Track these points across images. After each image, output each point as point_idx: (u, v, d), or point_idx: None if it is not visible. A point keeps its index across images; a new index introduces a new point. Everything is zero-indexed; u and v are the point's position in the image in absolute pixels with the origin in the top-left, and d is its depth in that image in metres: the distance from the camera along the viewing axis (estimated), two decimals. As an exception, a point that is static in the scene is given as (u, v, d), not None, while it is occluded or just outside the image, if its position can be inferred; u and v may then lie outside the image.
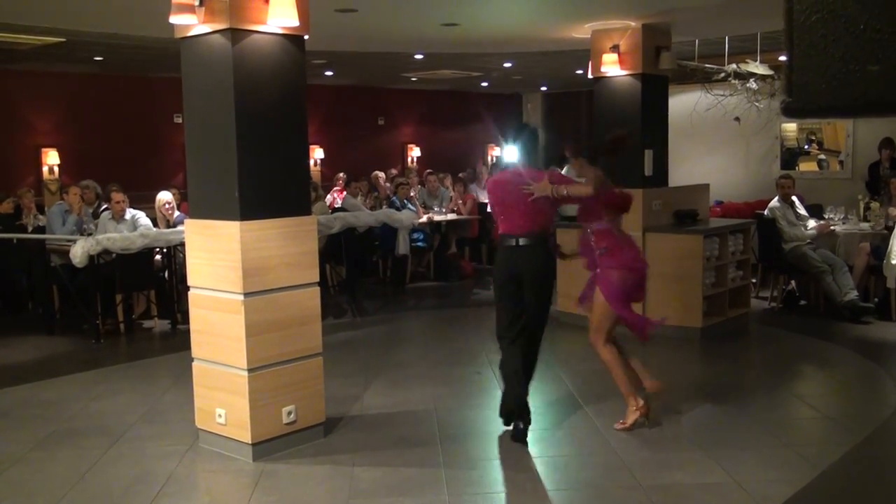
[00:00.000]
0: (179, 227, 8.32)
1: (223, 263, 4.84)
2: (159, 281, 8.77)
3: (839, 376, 6.92)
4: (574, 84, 15.73)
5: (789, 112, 0.85)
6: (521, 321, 5.18)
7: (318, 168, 15.17)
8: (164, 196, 9.26)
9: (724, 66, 9.93)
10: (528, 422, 5.20)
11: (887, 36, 0.77)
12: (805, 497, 4.35)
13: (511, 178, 5.25)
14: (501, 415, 5.36)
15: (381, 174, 13.69)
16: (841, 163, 11.91)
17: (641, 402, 5.31)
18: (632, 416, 5.29)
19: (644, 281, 5.43)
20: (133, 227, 8.58)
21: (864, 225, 9.23)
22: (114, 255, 8.06)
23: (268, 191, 4.87)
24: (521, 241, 5.11)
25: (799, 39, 0.84)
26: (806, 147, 12.27)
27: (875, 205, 9.44)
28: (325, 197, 10.66)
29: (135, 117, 13.26)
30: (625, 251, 5.31)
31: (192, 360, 5.19)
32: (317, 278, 5.18)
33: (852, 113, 0.81)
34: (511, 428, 5.24)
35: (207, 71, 4.83)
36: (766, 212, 9.03)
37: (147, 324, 8.79)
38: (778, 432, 5.26)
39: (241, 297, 4.77)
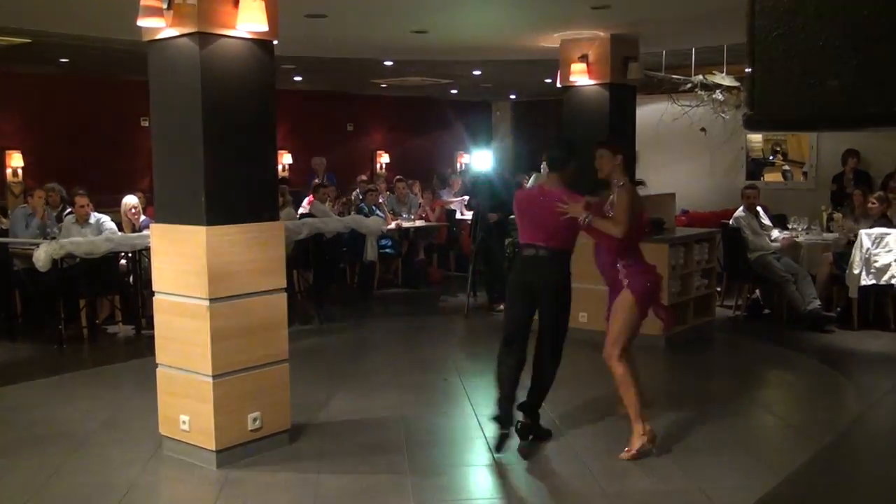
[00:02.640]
0: (145, 232, 8.24)
1: (189, 268, 4.80)
2: (124, 286, 8.67)
3: (801, 384, 7.01)
4: (543, 93, 15.81)
5: (751, 125, 0.87)
6: (525, 332, 5.09)
7: (287, 173, 15.10)
8: (130, 200, 9.16)
9: (690, 76, 10.05)
10: (523, 433, 5.12)
11: (846, 52, 0.79)
12: (767, 504, 4.40)
13: (539, 195, 5.13)
14: (494, 419, 5.12)
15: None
16: (805, 174, 12.08)
17: (648, 428, 4.98)
18: (638, 442, 4.94)
19: (661, 284, 5.34)
20: (98, 232, 8.49)
21: (828, 235, 9.37)
22: (77, 260, 7.96)
23: (234, 196, 4.84)
24: (541, 253, 4.98)
25: (761, 54, 0.85)
26: (771, 158, 12.43)
27: (838, 216, 9.59)
28: (292, 202, 10.60)
29: (101, 120, 13.11)
30: (644, 259, 5.14)
31: (156, 366, 5.13)
32: (283, 284, 5.15)
33: (812, 126, 0.82)
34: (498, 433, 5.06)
35: (175, 75, 4.80)
36: (731, 221, 9.13)
37: (111, 329, 8.69)
38: (741, 439, 5.31)
39: (207, 303, 4.73)
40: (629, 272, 5.01)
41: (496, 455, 5.01)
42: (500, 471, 4.84)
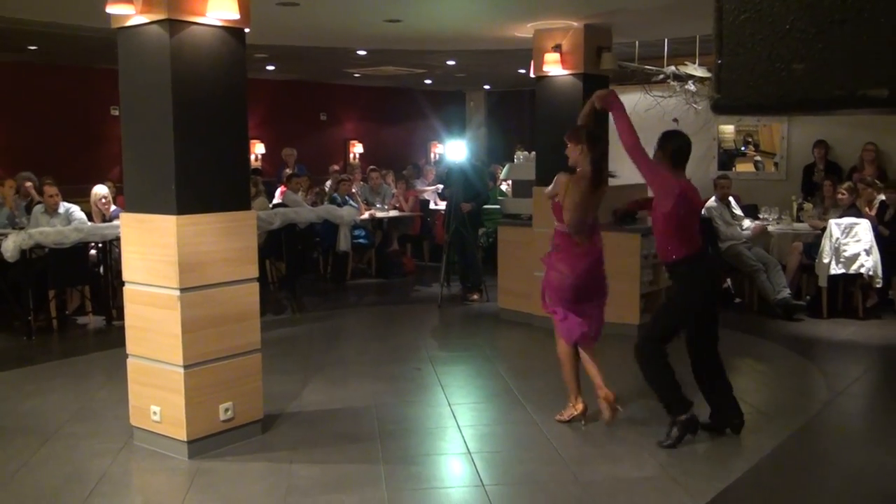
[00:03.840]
0: (115, 222, 8.15)
1: (159, 258, 4.76)
2: (94, 276, 8.59)
3: (771, 372, 7.08)
4: (517, 83, 15.83)
5: (718, 109, 0.87)
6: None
7: (260, 164, 15.01)
8: (100, 190, 9.07)
9: (663, 67, 10.08)
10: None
11: (811, 36, 0.79)
12: (737, 490, 4.45)
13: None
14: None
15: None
16: (776, 164, 12.17)
17: (581, 406, 5.31)
18: (568, 413, 5.37)
19: (576, 291, 5.24)
20: (67, 222, 8.39)
21: (798, 225, 9.46)
22: (46, 250, 7.88)
23: (206, 185, 4.80)
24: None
25: (727, 38, 0.85)
26: (743, 148, 12.52)
27: (808, 206, 9.69)
28: (265, 192, 10.54)
29: (70, 109, 12.96)
30: (572, 257, 5.21)
31: (126, 356, 5.09)
32: (256, 274, 5.12)
33: (778, 110, 0.83)
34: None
35: (145, 62, 4.74)
36: (703, 211, 9.18)
37: (81, 320, 8.61)
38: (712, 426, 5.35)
39: (178, 293, 4.69)
40: (550, 258, 5.39)
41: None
42: (472, 459, 4.85)
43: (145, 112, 4.80)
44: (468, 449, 5.02)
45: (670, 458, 4.79)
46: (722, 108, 0.85)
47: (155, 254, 4.79)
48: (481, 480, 4.54)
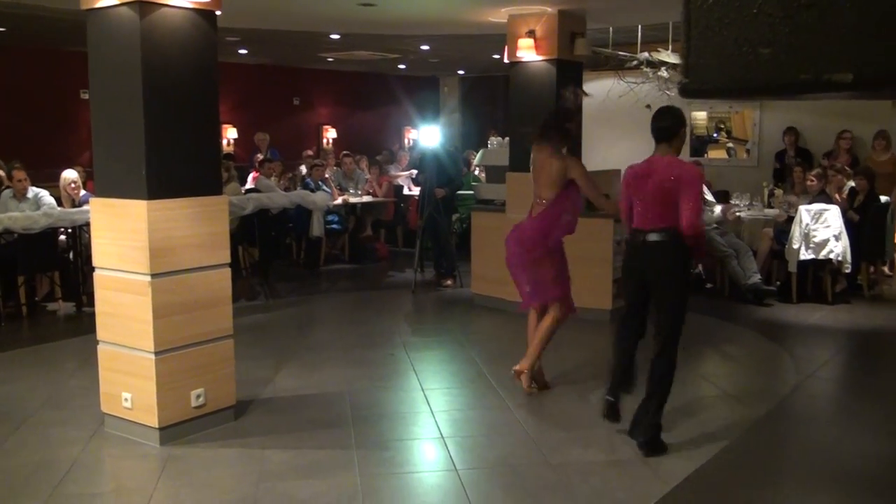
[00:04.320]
0: (85, 207, 8.06)
1: (130, 243, 4.72)
2: (64, 262, 8.49)
3: (742, 356, 7.15)
4: (491, 68, 15.81)
5: (685, 92, 0.87)
6: (640, 317, 4.92)
7: (232, 148, 14.90)
8: (70, 174, 8.95)
9: (636, 54, 10.11)
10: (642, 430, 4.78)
11: (778, 20, 0.80)
12: (707, 472, 4.50)
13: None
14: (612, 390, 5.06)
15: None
16: (748, 151, 12.27)
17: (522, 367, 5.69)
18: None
19: (511, 258, 5.69)
20: (36, 207, 8.29)
21: (769, 211, 9.55)
22: (15, 236, 7.78)
23: (177, 169, 4.76)
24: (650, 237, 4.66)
25: (695, 22, 0.86)
26: (715, 135, 12.60)
27: (779, 192, 9.77)
28: (237, 178, 10.47)
29: (39, 92, 12.77)
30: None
31: (97, 343, 5.05)
32: (227, 259, 5.09)
33: (745, 94, 0.83)
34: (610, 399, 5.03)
35: (114, 45, 4.68)
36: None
37: (51, 306, 8.51)
38: (682, 410, 5.40)
39: (149, 278, 4.66)
40: None
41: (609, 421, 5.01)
42: (445, 443, 4.87)
43: (115, 96, 4.75)
44: (441, 434, 5.04)
45: (642, 442, 4.83)
46: (690, 91, 0.86)
47: (125, 239, 4.75)
48: (454, 465, 4.55)
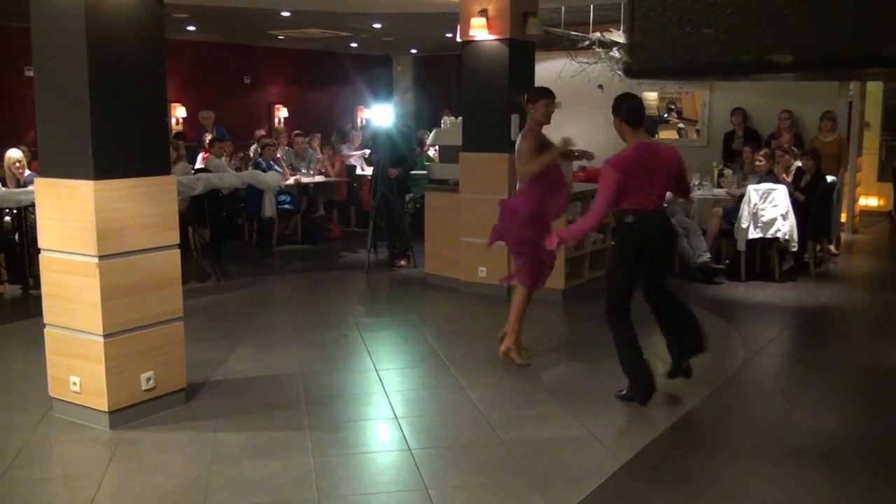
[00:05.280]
0: (30, 187, 7.89)
1: (76, 225, 4.63)
2: (9, 243, 8.31)
3: (691, 334, 7.25)
4: (444, 47, 15.75)
5: (630, 73, 0.87)
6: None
7: (182, 127, 14.67)
8: (14, 154, 8.74)
9: (588, 34, 10.15)
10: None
11: (720, 1, 0.80)
12: (657, 447, 4.57)
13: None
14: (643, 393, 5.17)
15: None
16: (698, 131, 12.40)
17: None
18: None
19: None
20: (-22, 187, 8.09)
21: (718, 191, 9.68)
22: (-43, 217, 7.59)
23: (124, 149, 4.67)
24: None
25: (640, 2, 0.86)
26: (665, 116, 12.71)
27: (728, 172, 9.91)
28: (187, 157, 10.32)
29: (-20, 70, 12.44)
30: None
31: (44, 326, 4.96)
32: (177, 240, 5.03)
33: (688, 74, 0.84)
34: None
35: (58, 21, 4.57)
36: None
37: (-4, 289, 8.34)
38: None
39: (96, 260, 4.58)
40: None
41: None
42: (399, 423, 4.88)
43: (60, 73, 4.64)
44: (395, 414, 5.05)
45: (593, 418, 4.89)
46: (634, 72, 0.86)
47: (72, 220, 4.66)
48: (408, 444, 4.57)
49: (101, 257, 4.59)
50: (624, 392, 5.18)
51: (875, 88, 13.71)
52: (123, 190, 4.67)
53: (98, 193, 4.54)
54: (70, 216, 4.66)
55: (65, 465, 4.52)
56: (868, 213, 13.47)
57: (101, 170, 4.55)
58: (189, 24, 12.71)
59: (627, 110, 5.09)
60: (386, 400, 5.28)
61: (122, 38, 4.61)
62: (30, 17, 4.71)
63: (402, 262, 9.67)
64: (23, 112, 12.38)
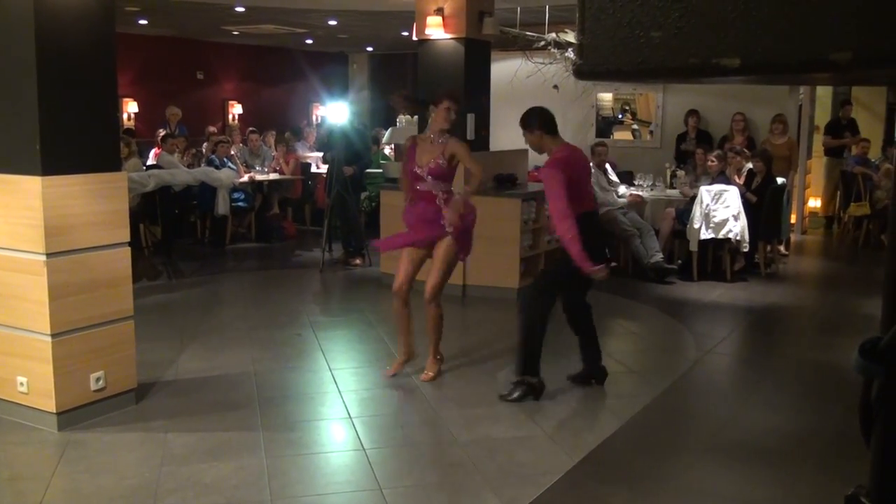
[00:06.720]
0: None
1: (22, 221, 4.54)
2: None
3: (643, 332, 7.34)
4: (400, 46, 15.72)
5: (579, 74, 0.87)
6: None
7: (133, 123, 14.45)
8: (-42, 149, 8.54)
9: (544, 34, 10.20)
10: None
11: (668, 3, 0.80)
12: (610, 445, 4.61)
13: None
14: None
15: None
16: (651, 132, 12.53)
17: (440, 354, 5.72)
18: (437, 366, 5.65)
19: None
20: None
21: (671, 192, 9.80)
22: None
23: (73, 144, 4.59)
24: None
25: (590, 3, 0.86)
26: (620, 116, 12.82)
27: (681, 173, 10.03)
28: (138, 153, 10.17)
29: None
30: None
31: (-12, 325, 4.85)
32: (127, 238, 4.95)
33: (637, 77, 0.84)
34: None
35: (6, 12, 4.46)
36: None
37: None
38: (585, 386, 5.51)
39: (44, 258, 4.49)
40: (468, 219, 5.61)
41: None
42: (353, 423, 4.86)
43: (6, 65, 4.53)
44: (349, 413, 5.03)
45: (546, 418, 4.92)
46: (583, 73, 0.86)
47: (18, 217, 4.56)
48: (362, 444, 4.55)
49: (48, 255, 4.50)
50: (515, 394, 5.16)
51: (825, 93, 13.98)
52: (72, 186, 4.58)
53: (46, 189, 4.45)
54: (17, 212, 4.56)
55: (11, 467, 4.42)
56: (817, 214, 13.72)
57: (49, 165, 4.46)
58: (141, 18, 12.52)
59: (542, 122, 5.21)
60: (340, 400, 5.26)
61: (72, 31, 4.52)
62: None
63: (357, 261, 9.64)
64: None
